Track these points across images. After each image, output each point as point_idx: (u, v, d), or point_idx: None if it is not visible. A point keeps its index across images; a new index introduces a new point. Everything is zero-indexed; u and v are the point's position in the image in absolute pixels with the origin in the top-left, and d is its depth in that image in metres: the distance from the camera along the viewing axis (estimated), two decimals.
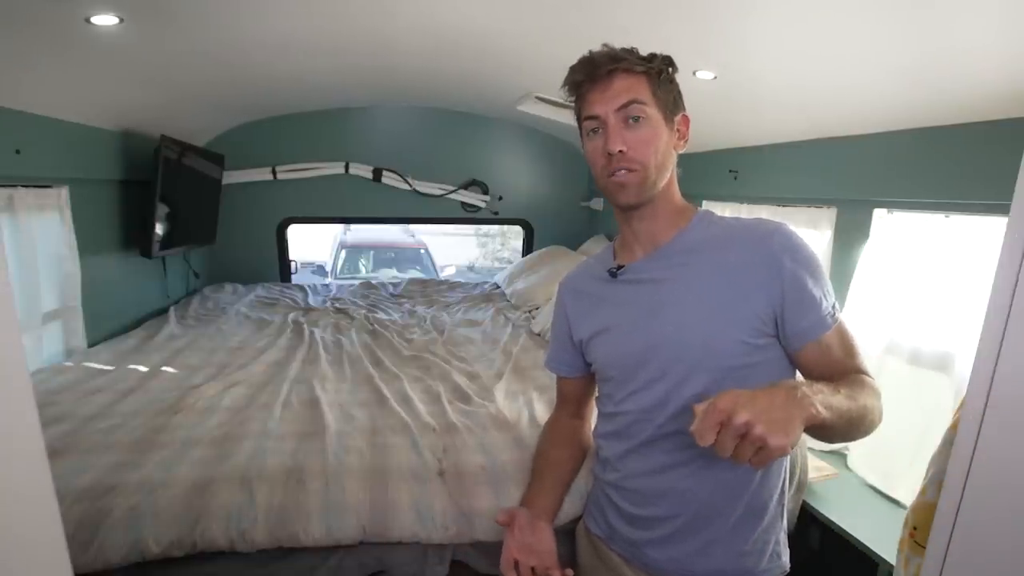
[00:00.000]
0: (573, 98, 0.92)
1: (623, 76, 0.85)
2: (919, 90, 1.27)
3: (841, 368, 0.84)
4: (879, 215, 1.52)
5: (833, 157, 1.68)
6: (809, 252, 0.85)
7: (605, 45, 0.88)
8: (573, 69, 0.89)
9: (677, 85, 0.91)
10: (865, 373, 0.85)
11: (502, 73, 2.48)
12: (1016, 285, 0.46)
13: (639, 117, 0.85)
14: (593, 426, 1.10)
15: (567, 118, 2.87)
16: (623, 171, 0.86)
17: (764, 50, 1.43)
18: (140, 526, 1.12)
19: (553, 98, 2.66)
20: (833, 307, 0.84)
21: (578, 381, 1.10)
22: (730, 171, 2.16)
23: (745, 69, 1.53)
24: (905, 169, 1.44)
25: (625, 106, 0.85)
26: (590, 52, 0.88)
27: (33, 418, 0.41)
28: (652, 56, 0.88)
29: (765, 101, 1.73)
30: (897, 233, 1.49)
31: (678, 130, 0.91)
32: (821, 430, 0.76)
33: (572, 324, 1.04)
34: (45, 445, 0.43)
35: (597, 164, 0.89)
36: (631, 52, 0.87)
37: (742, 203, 2.08)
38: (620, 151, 0.85)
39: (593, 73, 0.86)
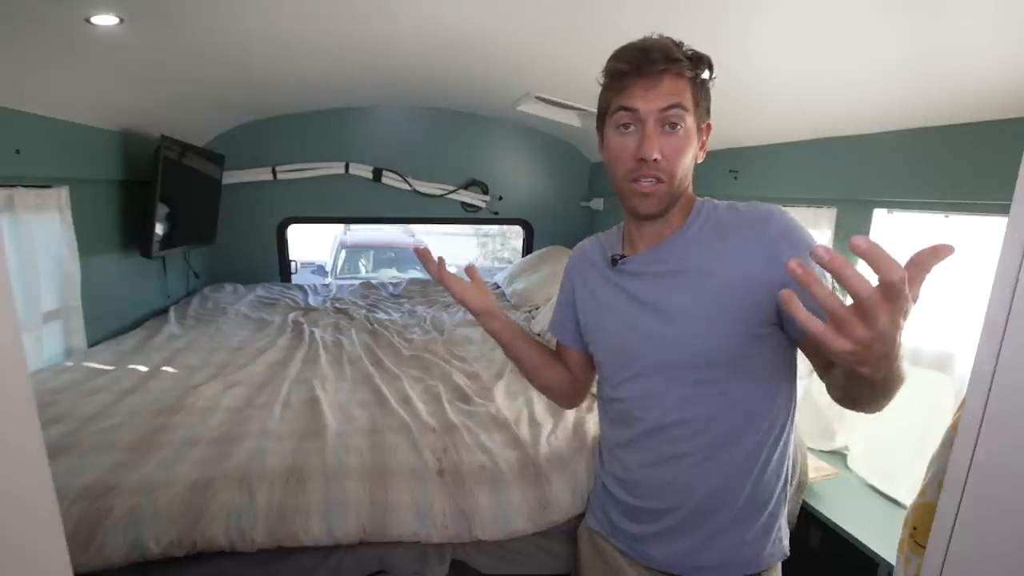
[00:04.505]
0: (604, 82, 0.86)
1: (672, 78, 0.80)
2: (919, 90, 1.27)
3: None
4: (879, 215, 1.52)
5: (833, 157, 1.68)
6: (806, 234, 0.83)
7: (659, 35, 0.83)
8: (620, 55, 0.82)
9: (710, 91, 0.86)
10: None
11: (502, 73, 2.48)
12: (1016, 285, 0.46)
13: (678, 124, 0.81)
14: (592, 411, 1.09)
15: (567, 118, 2.88)
16: (651, 181, 0.83)
17: (764, 50, 1.43)
18: (140, 526, 1.12)
19: (553, 98, 2.66)
20: (833, 287, 0.83)
21: (577, 356, 1.08)
22: (730, 171, 2.16)
23: (745, 69, 1.53)
24: (905, 169, 1.44)
25: (667, 109, 0.80)
26: (642, 40, 0.82)
27: (33, 418, 0.41)
28: (699, 58, 0.83)
29: (765, 101, 1.73)
30: (897, 233, 1.49)
31: (702, 139, 0.87)
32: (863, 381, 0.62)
33: (576, 297, 1.04)
34: (45, 445, 0.43)
35: (622, 164, 0.84)
36: (680, 48, 0.82)
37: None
38: (655, 159, 0.80)
39: (644, 68, 0.80)
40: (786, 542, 0.95)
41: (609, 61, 0.84)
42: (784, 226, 0.83)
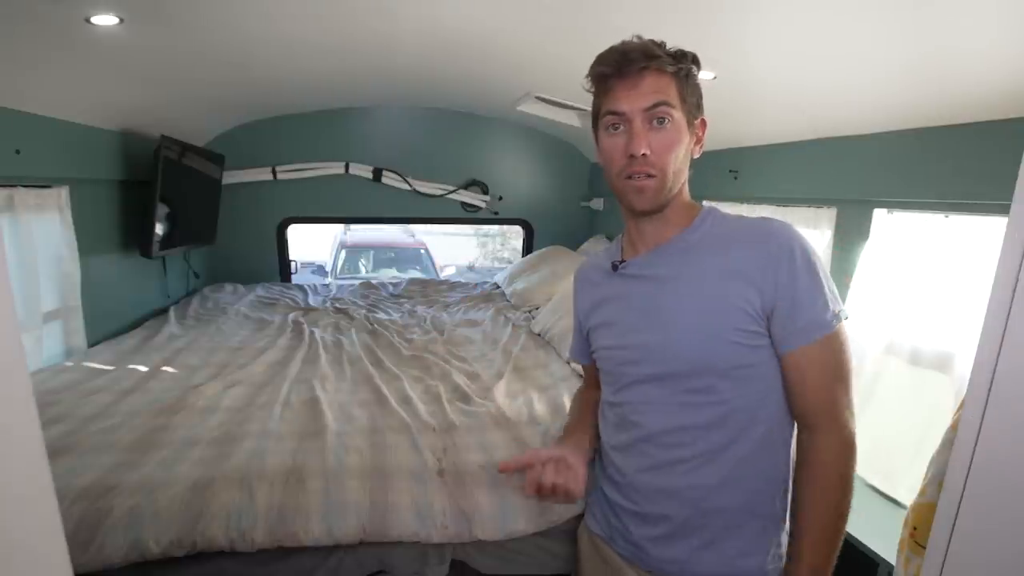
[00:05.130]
0: (592, 89, 0.87)
1: (654, 75, 0.81)
2: (919, 90, 1.27)
3: (814, 389, 0.83)
4: (879, 215, 1.52)
5: (833, 157, 1.68)
6: (809, 256, 0.83)
7: (637, 36, 0.84)
8: (601, 59, 0.84)
9: (700, 87, 0.87)
10: (834, 410, 0.82)
11: (502, 73, 2.48)
12: (1016, 285, 0.46)
13: (664, 119, 0.82)
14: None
15: (567, 118, 2.88)
16: (642, 176, 0.83)
17: (764, 50, 1.43)
18: (140, 526, 1.12)
19: (553, 98, 2.66)
20: (834, 316, 0.82)
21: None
22: (730, 171, 2.16)
23: (745, 69, 1.53)
24: (905, 169, 1.44)
25: (653, 107, 0.81)
26: (622, 43, 0.83)
27: (33, 418, 0.41)
28: (683, 55, 0.84)
29: (765, 101, 1.73)
30: (897, 233, 1.49)
31: (696, 134, 0.88)
32: None
33: (580, 312, 1.06)
34: (45, 445, 0.43)
35: (614, 163, 0.86)
36: (661, 47, 0.83)
37: (742, 203, 2.08)
38: (644, 154, 0.82)
39: (624, 68, 0.82)
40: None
41: (592, 66, 0.86)
42: (787, 244, 0.83)
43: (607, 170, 0.88)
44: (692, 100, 0.85)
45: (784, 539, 0.94)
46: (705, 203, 0.96)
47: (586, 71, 0.87)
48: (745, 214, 0.95)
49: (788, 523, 0.94)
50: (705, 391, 0.85)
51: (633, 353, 0.91)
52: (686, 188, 0.92)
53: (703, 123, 0.89)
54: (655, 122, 0.82)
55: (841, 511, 0.85)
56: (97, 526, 1.11)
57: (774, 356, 0.85)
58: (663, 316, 0.88)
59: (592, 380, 1.19)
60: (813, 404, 0.84)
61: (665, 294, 0.89)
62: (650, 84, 0.82)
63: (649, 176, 0.84)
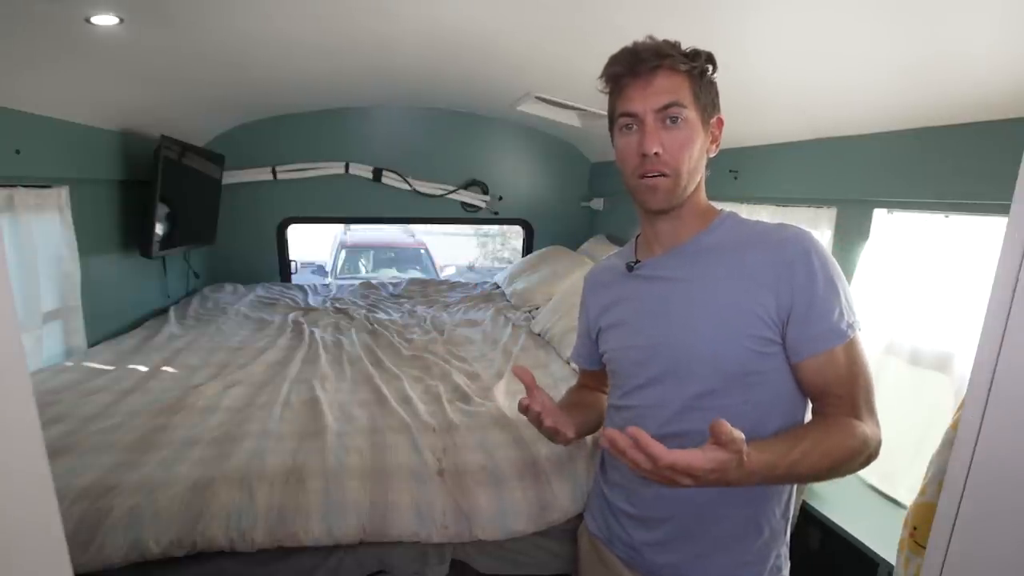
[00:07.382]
0: (608, 90, 0.87)
1: (666, 74, 0.81)
2: (919, 90, 1.27)
3: (836, 394, 0.81)
4: (879, 215, 1.52)
5: (833, 157, 1.68)
6: (826, 263, 0.81)
7: (650, 37, 0.83)
8: (614, 59, 0.84)
9: (716, 85, 0.87)
10: (858, 415, 0.79)
11: (502, 73, 2.48)
12: (1016, 285, 0.46)
13: (677, 119, 0.82)
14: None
15: (567, 118, 2.88)
16: (656, 175, 0.83)
17: (764, 49, 1.43)
18: (140, 526, 1.12)
19: (553, 98, 2.66)
20: (849, 326, 0.80)
21: (598, 373, 1.10)
22: (730, 171, 2.16)
23: (745, 68, 1.53)
24: (905, 169, 1.44)
25: (666, 107, 0.81)
26: (634, 43, 0.83)
27: (33, 418, 0.41)
28: (696, 54, 0.83)
29: (765, 101, 1.73)
30: (897, 233, 1.49)
31: (712, 133, 0.87)
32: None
33: (589, 316, 1.05)
34: (45, 445, 0.43)
35: (629, 163, 0.86)
36: (675, 47, 0.83)
37: (742, 203, 2.08)
38: (656, 153, 0.81)
39: (635, 67, 0.82)
40: (786, 571, 0.93)
41: (605, 67, 0.85)
42: (804, 249, 0.81)
43: (622, 170, 0.88)
44: (706, 99, 0.85)
45: (785, 552, 0.94)
46: (724, 208, 0.95)
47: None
48: (745, 215, 0.94)
49: (788, 536, 0.94)
50: (709, 395, 0.84)
51: (642, 353, 0.91)
52: (703, 190, 0.91)
53: (719, 121, 0.89)
54: (668, 121, 0.82)
55: (837, 456, 0.75)
56: (97, 526, 1.11)
57: (785, 365, 0.84)
58: (674, 318, 0.87)
59: (583, 381, 1.18)
60: (837, 406, 0.81)
61: (678, 296, 0.88)
62: (662, 83, 0.81)
63: (662, 175, 0.83)
